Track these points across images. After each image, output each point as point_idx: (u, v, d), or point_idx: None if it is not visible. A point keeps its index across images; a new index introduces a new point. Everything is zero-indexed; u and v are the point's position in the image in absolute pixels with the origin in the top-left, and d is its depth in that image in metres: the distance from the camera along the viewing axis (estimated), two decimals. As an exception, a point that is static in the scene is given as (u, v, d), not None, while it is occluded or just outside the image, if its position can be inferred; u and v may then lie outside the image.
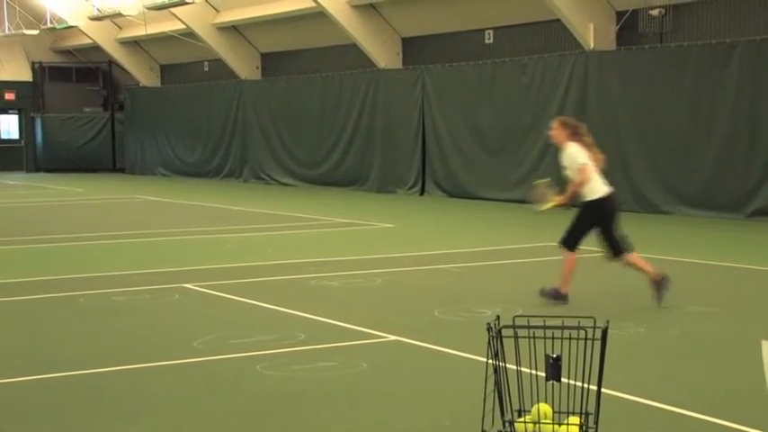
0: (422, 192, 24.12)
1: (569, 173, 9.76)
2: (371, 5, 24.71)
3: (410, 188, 24.38)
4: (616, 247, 9.80)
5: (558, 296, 9.63)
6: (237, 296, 10.34)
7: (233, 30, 29.86)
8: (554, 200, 9.94)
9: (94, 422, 6.03)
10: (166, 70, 35.26)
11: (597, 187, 9.66)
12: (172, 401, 6.48)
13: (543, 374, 4.78)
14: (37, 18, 33.98)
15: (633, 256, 9.81)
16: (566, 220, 9.94)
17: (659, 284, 9.63)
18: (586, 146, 9.86)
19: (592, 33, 20.00)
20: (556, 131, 9.96)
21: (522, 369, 4.91)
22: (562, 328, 4.70)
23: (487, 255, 13.62)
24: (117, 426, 5.95)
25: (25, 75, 37.11)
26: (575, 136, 9.87)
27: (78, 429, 5.94)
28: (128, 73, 35.47)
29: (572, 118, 10.08)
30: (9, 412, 6.26)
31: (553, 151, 20.73)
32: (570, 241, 9.77)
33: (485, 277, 11.87)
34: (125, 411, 6.23)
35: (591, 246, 14.08)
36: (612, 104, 19.59)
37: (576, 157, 9.69)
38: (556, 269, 11.03)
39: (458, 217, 19.36)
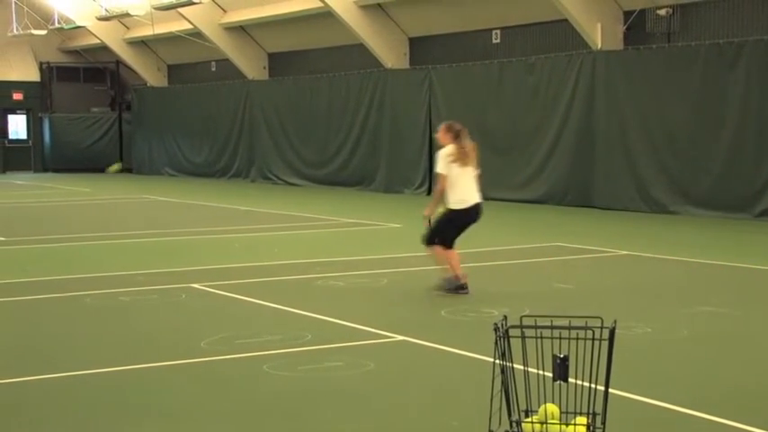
0: (429, 192, 24.05)
1: None
2: (378, 5, 24.72)
3: (417, 188, 24.37)
4: (440, 241, 10.33)
5: (454, 284, 10.16)
6: (244, 296, 10.34)
7: (240, 30, 29.88)
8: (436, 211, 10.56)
9: (100, 422, 6.03)
10: (174, 70, 35.30)
11: (461, 197, 10.21)
12: (178, 401, 6.48)
13: (550, 374, 4.77)
14: (45, 18, 34.04)
15: (445, 253, 10.33)
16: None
17: (449, 284, 10.26)
18: (464, 150, 10.29)
19: (599, 33, 19.98)
20: (442, 135, 10.42)
21: (530, 369, 4.89)
22: (569, 328, 4.70)
23: (494, 255, 13.61)
24: (123, 426, 5.95)
25: (33, 75, 37.17)
26: (456, 140, 10.30)
27: (84, 429, 5.94)
28: (135, 73, 35.53)
29: (458, 123, 10.56)
30: (14, 412, 6.27)
31: (560, 151, 20.82)
32: (442, 240, 10.31)
33: (492, 277, 11.85)
34: (131, 411, 6.23)
35: (598, 246, 14.08)
36: (620, 104, 19.57)
37: (439, 163, 10.25)
38: (561, 269, 11.03)
39: (465, 217, 19.31)
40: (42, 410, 6.27)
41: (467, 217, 10.35)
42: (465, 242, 15.06)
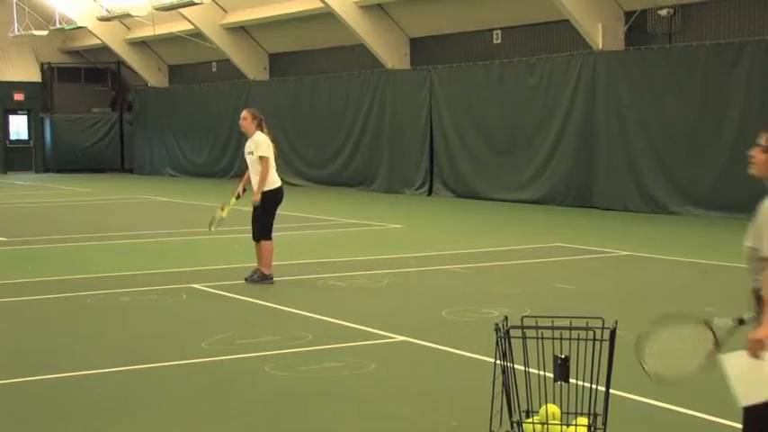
0: (429, 192, 24.11)
1: (251, 158, 11.08)
2: (379, 6, 24.72)
3: (418, 189, 24.37)
4: (262, 233, 11.09)
5: (265, 278, 11.01)
6: (245, 296, 10.35)
7: (241, 30, 29.89)
8: (233, 203, 11.43)
9: (100, 422, 6.03)
10: (174, 71, 35.30)
11: (273, 178, 11.11)
12: (179, 401, 6.48)
13: (551, 375, 4.77)
14: (46, 19, 34.05)
15: (266, 245, 11.07)
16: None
17: (264, 278, 11.02)
18: (271, 138, 11.30)
19: (600, 34, 19.97)
20: (245, 121, 11.17)
21: (531, 370, 4.89)
22: (570, 328, 4.70)
23: (495, 255, 13.60)
24: (123, 426, 5.95)
25: (34, 75, 37.18)
26: (260, 127, 11.17)
27: (84, 429, 5.94)
28: (136, 73, 35.53)
29: (257, 110, 11.35)
30: (16, 412, 6.27)
31: (561, 152, 20.83)
32: (265, 233, 11.07)
33: (492, 278, 11.85)
34: (131, 411, 6.24)
35: (599, 246, 14.08)
36: (621, 105, 19.56)
37: (260, 147, 10.97)
38: (562, 270, 11.02)
39: (465, 217, 19.34)
40: (43, 410, 6.27)
41: (278, 196, 11.20)
42: (466, 242, 15.08)
